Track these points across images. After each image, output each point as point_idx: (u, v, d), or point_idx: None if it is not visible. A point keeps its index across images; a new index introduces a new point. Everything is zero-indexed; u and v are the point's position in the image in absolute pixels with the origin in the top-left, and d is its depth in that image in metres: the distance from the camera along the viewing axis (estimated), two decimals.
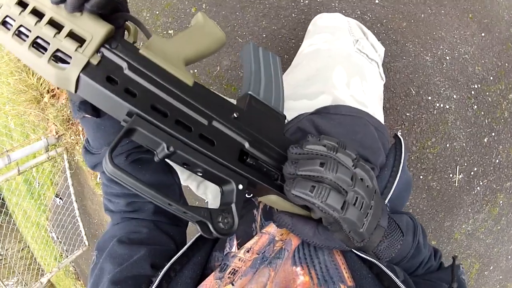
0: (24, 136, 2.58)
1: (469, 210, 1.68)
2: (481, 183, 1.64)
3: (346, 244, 0.44)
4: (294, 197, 0.39)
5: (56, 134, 2.40)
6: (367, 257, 0.47)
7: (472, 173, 1.62)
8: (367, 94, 0.78)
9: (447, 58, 1.47)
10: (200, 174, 0.41)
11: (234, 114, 0.43)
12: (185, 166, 0.40)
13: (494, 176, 1.64)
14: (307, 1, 1.47)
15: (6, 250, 3.24)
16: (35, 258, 3.46)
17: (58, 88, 2.27)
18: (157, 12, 1.65)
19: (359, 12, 1.44)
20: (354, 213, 0.39)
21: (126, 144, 0.52)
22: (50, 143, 2.31)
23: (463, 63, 1.48)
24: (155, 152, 0.38)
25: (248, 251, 0.49)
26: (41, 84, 2.23)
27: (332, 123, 0.66)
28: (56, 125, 2.35)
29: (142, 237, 0.54)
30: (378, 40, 0.91)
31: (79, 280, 3.67)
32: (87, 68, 0.35)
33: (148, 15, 1.67)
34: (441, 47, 1.46)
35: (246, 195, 0.65)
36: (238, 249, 0.53)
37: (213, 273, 0.47)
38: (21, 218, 3.14)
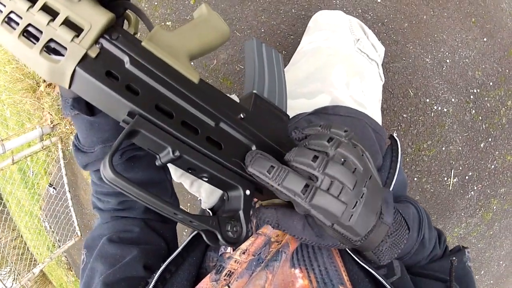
0: (19, 125, 2.56)
1: (462, 214, 1.68)
2: (475, 188, 1.65)
3: (340, 241, 0.40)
4: (253, 175, 0.37)
5: (51, 123, 2.38)
6: (361, 263, 0.44)
7: (466, 177, 1.62)
8: (366, 95, 0.77)
9: (448, 61, 1.46)
10: (206, 180, 0.38)
11: (241, 115, 0.41)
12: (190, 171, 0.37)
13: (489, 181, 1.64)
14: None
15: None
16: (28, 248, 3.45)
17: None
18: (156, 3, 1.63)
19: (360, 10, 1.43)
20: (327, 200, 0.34)
21: None
22: (45, 133, 2.29)
23: (463, 67, 1.48)
24: (157, 156, 0.35)
25: (244, 253, 0.48)
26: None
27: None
28: (51, 114, 2.34)
29: (133, 236, 0.53)
30: (378, 40, 0.90)
31: (71, 270, 3.67)
32: (84, 61, 0.31)
33: (146, 5, 1.65)
34: (442, 49, 1.45)
35: None
36: (233, 250, 0.51)
37: (209, 275, 0.46)
38: (15, 207, 3.13)
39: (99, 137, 0.47)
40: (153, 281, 0.43)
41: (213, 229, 0.34)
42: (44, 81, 2.24)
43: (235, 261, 0.47)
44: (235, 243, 0.35)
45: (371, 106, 0.78)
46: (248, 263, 0.46)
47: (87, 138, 0.48)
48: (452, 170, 1.60)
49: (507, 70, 1.53)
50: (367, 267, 0.44)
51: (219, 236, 0.34)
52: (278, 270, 0.44)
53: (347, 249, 0.46)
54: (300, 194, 0.35)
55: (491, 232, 1.76)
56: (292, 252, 0.47)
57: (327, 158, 0.36)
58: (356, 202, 0.36)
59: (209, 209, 0.73)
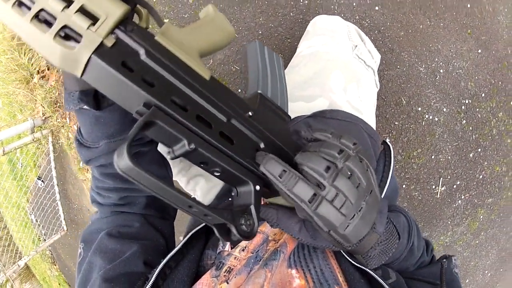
0: (11, 116, 2.53)
1: (449, 222, 1.71)
2: (462, 197, 1.67)
3: (333, 244, 0.42)
4: (264, 174, 0.38)
5: (43, 115, 2.36)
6: (356, 264, 0.46)
7: (454, 186, 1.64)
8: (362, 101, 0.79)
9: (441, 71, 1.49)
10: (217, 174, 0.38)
11: (249, 113, 0.41)
12: (202, 165, 0.37)
13: (477, 191, 1.67)
14: (306, 1, 1.47)
15: None
16: (13, 240, 3.40)
17: (48, 69, 2.23)
18: (154, 0, 1.63)
19: (357, 17, 1.44)
20: (329, 210, 0.37)
21: (124, 139, 0.48)
22: (36, 125, 2.27)
23: (456, 78, 1.50)
24: (170, 149, 0.34)
25: (243, 250, 0.49)
26: (31, 64, 2.19)
27: (328, 127, 0.67)
28: (43, 107, 2.31)
29: (133, 232, 0.53)
30: (374, 47, 0.91)
31: (55, 265, 3.63)
32: (100, 50, 0.30)
33: None
34: (436, 59, 1.47)
35: None
36: (231, 248, 0.52)
37: (209, 271, 0.47)
38: (3, 198, 3.08)
39: (104, 132, 0.47)
40: (154, 276, 0.43)
41: (229, 222, 0.34)
42: (38, 72, 2.21)
43: (235, 257, 0.48)
44: (248, 237, 0.35)
45: (367, 112, 0.80)
46: (246, 260, 0.47)
47: (92, 133, 0.47)
48: (441, 179, 1.62)
49: (500, 82, 1.55)
50: (364, 268, 0.45)
51: (233, 230, 0.34)
52: (276, 270, 0.45)
53: (342, 251, 0.47)
54: (307, 202, 0.36)
55: (477, 242, 1.79)
56: (289, 253, 0.47)
57: (337, 170, 0.38)
58: (354, 215, 0.38)
59: None
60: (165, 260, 0.46)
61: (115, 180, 0.52)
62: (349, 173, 0.38)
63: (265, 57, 0.53)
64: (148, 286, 0.43)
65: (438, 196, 1.65)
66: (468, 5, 1.43)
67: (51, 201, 2.85)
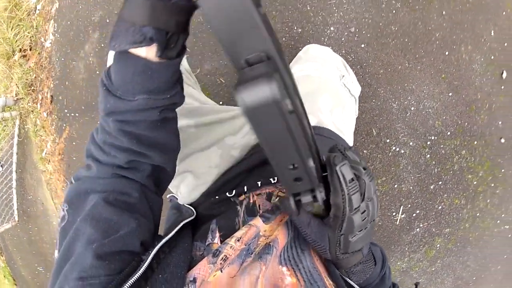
0: None
1: (406, 248, 1.79)
2: (421, 225, 1.76)
3: (329, 248, 0.47)
4: (334, 172, 0.41)
5: (16, 96, 2.27)
6: (342, 275, 0.51)
7: (414, 214, 1.73)
8: (345, 124, 0.87)
9: (412, 108, 1.59)
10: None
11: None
12: None
13: (435, 221, 1.76)
14: (300, 30, 1.54)
15: None
16: None
17: (30, 50, 2.17)
18: None
19: (344, 51, 1.53)
20: (358, 220, 0.43)
21: (164, 99, 0.46)
22: (8, 104, 2.18)
23: (425, 116, 1.60)
24: None
25: (238, 240, 0.52)
26: (16, 41, 2.12)
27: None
28: (18, 87, 2.24)
29: (131, 202, 0.50)
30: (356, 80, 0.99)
31: (2, 256, 3.39)
32: None
33: None
34: (409, 98, 1.57)
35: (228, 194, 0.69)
36: (221, 241, 0.55)
37: (206, 257, 0.48)
38: None
39: (145, 86, 0.43)
40: (150, 258, 0.43)
41: (316, 187, 0.37)
42: (20, 50, 2.15)
43: (231, 247, 0.50)
44: (322, 203, 0.39)
45: (348, 134, 0.88)
46: (240, 251, 0.50)
47: (130, 83, 0.43)
48: (401, 207, 1.71)
49: (466, 123, 1.64)
50: (343, 276, 0.51)
51: (318, 195, 0.38)
52: (269, 264, 0.47)
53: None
54: (353, 208, 0.42)
55: (433, 269, 1.85)
56: (280, 250, 0.51)
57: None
58: (361, 230, 0.45)
59: (188, 204, 0.76)
60: (161, 243, 0.47)
61: (131, 140, 0.48)
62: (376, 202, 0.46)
63: None
64: (143, 267, 0.42)
65: (398, 223, 1.73)
66: (446, 53, 1.54)
67: (7, 188, 2.69)
